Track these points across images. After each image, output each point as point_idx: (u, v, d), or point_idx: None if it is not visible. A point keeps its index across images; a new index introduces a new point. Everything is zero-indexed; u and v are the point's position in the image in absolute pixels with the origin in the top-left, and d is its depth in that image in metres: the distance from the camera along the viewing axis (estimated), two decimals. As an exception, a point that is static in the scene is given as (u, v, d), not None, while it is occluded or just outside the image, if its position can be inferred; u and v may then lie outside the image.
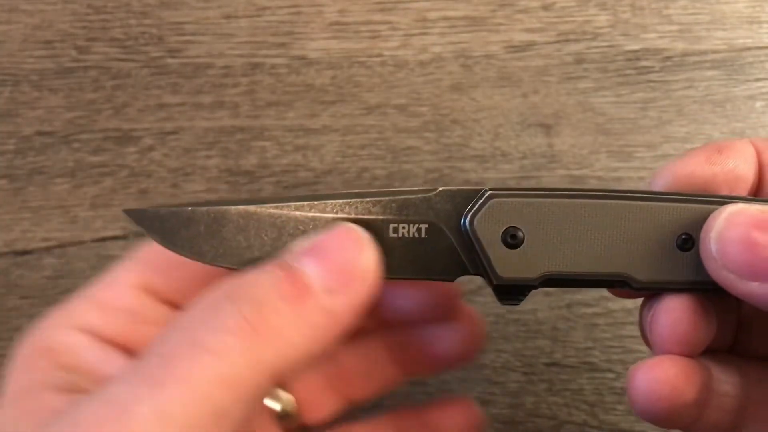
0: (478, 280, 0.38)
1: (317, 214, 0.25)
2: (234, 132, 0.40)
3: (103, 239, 0.39)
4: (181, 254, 0.25)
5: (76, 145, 0.40)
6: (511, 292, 0.25)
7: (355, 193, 0.25)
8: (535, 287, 0.25)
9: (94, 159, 0.40)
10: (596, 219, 0.25)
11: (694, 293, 0.25)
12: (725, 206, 0.24)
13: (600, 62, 0.40)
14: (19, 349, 0.26)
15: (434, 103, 0.40)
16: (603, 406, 0.37)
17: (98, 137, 0.40)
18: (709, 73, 0.40)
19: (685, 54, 0.40)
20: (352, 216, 0.25)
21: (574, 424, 0.37)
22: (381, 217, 0.25)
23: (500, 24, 0.41)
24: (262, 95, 0.41)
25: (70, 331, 0.26)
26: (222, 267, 0.25)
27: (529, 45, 0.41)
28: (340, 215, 0.25)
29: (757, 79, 0.40)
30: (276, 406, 0.30)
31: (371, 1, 0.41)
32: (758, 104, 0.40)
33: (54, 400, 0.24)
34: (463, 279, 0.26)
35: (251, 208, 0.25)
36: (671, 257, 0.25)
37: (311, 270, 0.23)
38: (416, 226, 0.25)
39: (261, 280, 0.23)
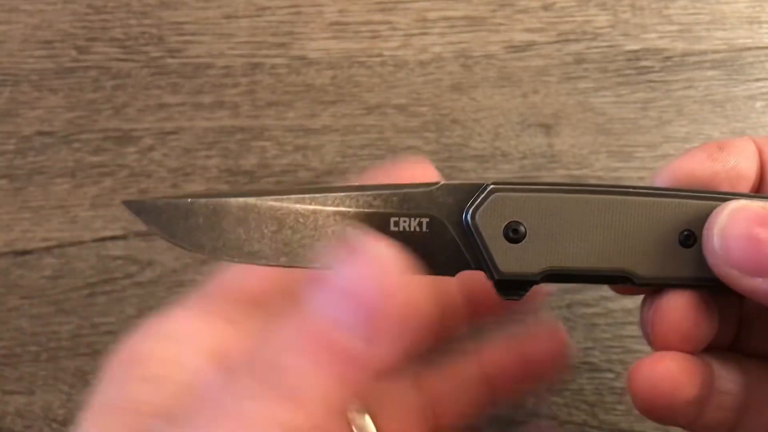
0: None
1: (318, 207, 0.25)
2: (234, 132, 0.40)
3: (103, 239, 0.39)
4: (179, 246, 0.25)
5: (76, 145, 0.40)
6: (512, 287, 0.25)
7: (356, 186, 0.25)
8: (537, 282, 0.25)
9: (94, 159, 0.40)
10: (598, 214, 0.25)
11: (696, 290, 0.25)
12: (728, 202, 0.24)
13: (600, 62, 0.40)
14: (108, 360, 0.25)
15: (434, 103, 0.40)
16: (603, 406, 0.37)
17: (98, 137, 0.40)
18: (709, 73, 0.40)
19: (685, 54, 0.40)
20: (353, 209, 0.25)
21: (574, 424, 0.37)
22: (382, 211, 0.25)
23: (500, 24, 0.41)
24: (262, 95, 0.41)
25: (161, 340, 0.25)
26: (221, 260, 0.25)
27: (529, 45, 0.41)
28: (341, 208, 0.25)
29: (757, 79, 0.40)
30: None
31: (371, 1, 0.41)
32: (758, 104, 0.40)
33: (134, 422, 0.23)
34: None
35: (251, 200, 0.25)
36: (673, 253, 0.25)
37: (334, 317, 0.21)
38: (417, 220, 0.25)
39: (281, 342, 0.21)
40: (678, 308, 0.25)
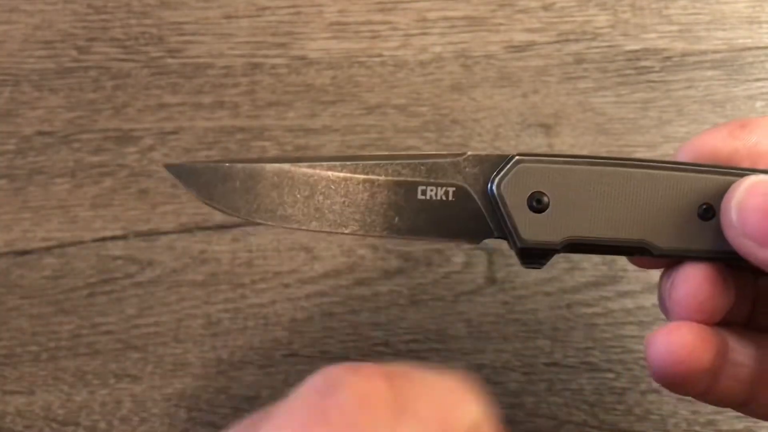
0: (477, 280, 0.38)
1: (349, 175, 0.26)
2: (234, 132, 0.40)
3: (103, 239, 0.39)
4: (216, 208, 0.26)
5: (76, 145, 0.40)
6: (534, 255, 0.26)
7: (386, 155, 0.26)
8: (558, 251, 0.26)
9: (94, 159, 0.40)
10: (620, 187, 0.25)
11: (714, 262, 0.25)
12: (747, 177, 0.25)
13: (600, 62, 0.40)
14: None
15: (434, 103, 0.40)
16: (603, 406, 0.37)
17: (98, 137, 0.40)
18: (709, 73, 0.40)
19: (685, 54, 0.40)
20: (383, 178, 0.26)
21: (574, 424, 0.37)
22: (410, 179, 0.26)
23: (500, 24, 0.41)
24: (262, 95, 0.41)
25: None
26: (255, 222, 0.26)
27: (529, 45, 0.41)
28: (370, 176, 0.26)
29: (757, 79, 0.40)
30: None
31: (371, 1, 0.41)
32: (758, 104, 0.40)
33: None
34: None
35: (286, 166, 0.26)
36: (692, 226, 0.25)
37: None
38: (444, 189, 0.26)
39: None
40: (695, 279, 0.25)
